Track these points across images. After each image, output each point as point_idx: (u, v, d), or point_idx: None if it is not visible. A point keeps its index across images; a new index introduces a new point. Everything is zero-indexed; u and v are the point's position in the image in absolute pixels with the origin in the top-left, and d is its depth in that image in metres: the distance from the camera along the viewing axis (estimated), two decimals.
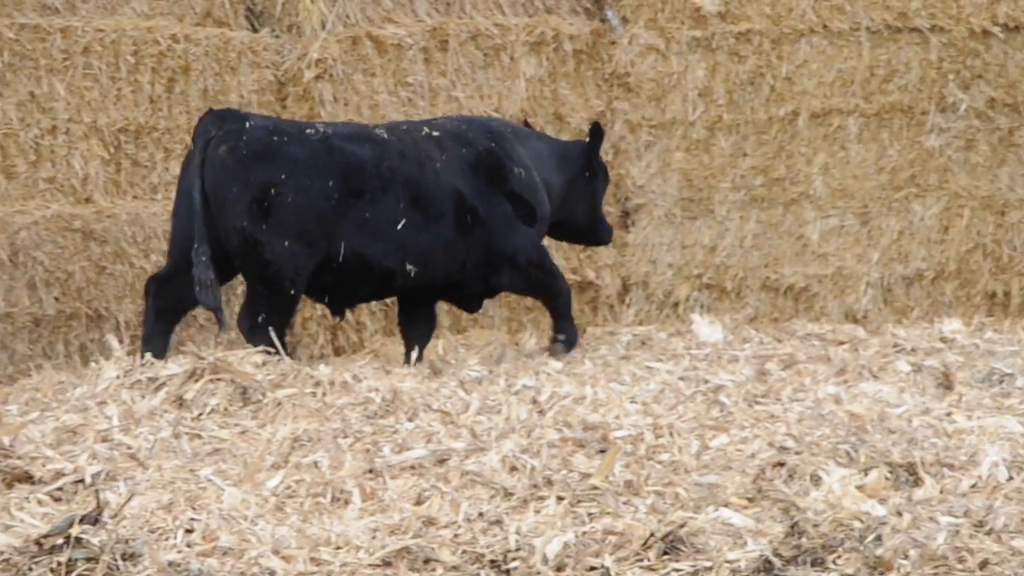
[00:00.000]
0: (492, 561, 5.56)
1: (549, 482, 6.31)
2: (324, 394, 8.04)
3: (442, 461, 6.76)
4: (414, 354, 9.58)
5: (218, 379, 8.04)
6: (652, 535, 5.53)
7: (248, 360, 8.31)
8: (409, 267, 9.57)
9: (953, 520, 5.67)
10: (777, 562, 5.38)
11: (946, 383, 8.15)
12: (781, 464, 6.39)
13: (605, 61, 11.62)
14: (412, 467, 6.72)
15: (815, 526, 5.59)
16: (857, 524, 5.60)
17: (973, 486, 6.14)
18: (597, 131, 10.30)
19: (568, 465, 6.59)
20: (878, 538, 5.42)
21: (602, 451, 6.80)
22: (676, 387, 8.16)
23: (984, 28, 11.53)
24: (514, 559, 5.55)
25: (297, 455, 6.99)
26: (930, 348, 9.14)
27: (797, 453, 6.52)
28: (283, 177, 9.32)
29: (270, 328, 9.11)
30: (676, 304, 11.67)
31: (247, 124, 9.44)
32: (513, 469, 6.58)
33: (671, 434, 7.03)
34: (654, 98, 11.56)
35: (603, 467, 6.43)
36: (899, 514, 5.75)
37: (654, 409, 7.62)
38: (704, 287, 11.76)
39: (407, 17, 11.22)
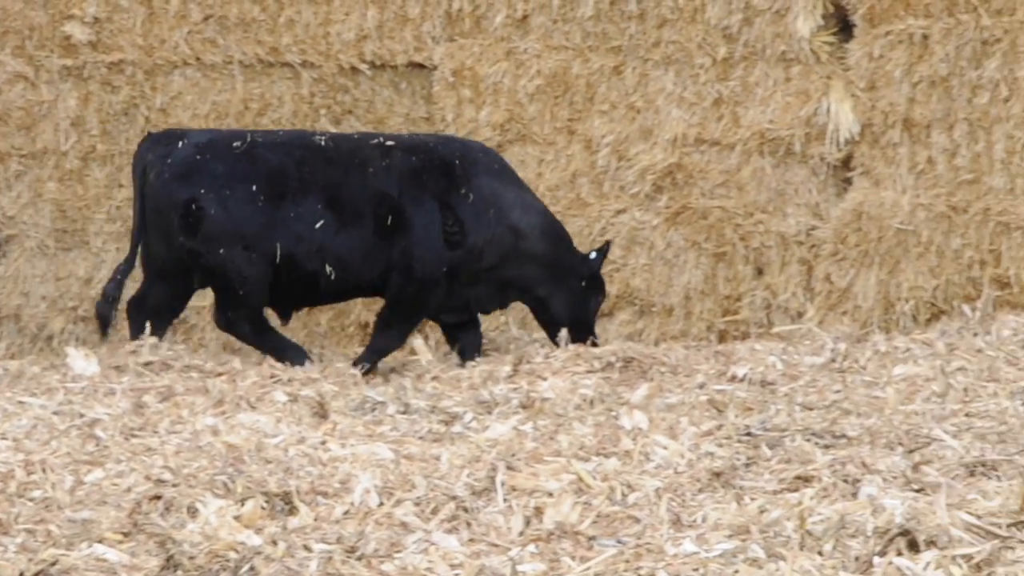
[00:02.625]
0: None
1: None
2: None
3: None
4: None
5: None
6: (21, 574, 5.38)
7: None
8: (328, 269, 9.90)
9: (326, 547, 5.76)
10: None
11: (321, 412, 8.28)
12: (158, 497, 6.33)
13: None
14: None
15: (191, 558, 5.56)
16: (233, 555, 5.61)
17: (346, 513, 6.26)
18: (605, 251, 10.43)
19: None
20: (252, 568, 5.45)
21: None
22: (50, 422, 7.95)
23: (353, 65, 11.82)
24: None
25: None
26: (306, 378, 9.25)
27: (174, 485, 6.47)
28: (202, 192, 9.80)
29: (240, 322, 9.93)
30: (50, 337, 11.42)
31: (179, 144, 9.93)
32: None
33: (44, 470, 6.85)
34: (24, 127, 11.29)
35: None
36: (274, 543, 5.79)
37: (26, 445, 7.40)
38: (80, 319, 11.54)
39: None
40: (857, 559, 5.53)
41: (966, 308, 10.48)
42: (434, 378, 9.32)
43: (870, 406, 8.14)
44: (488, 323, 11.35)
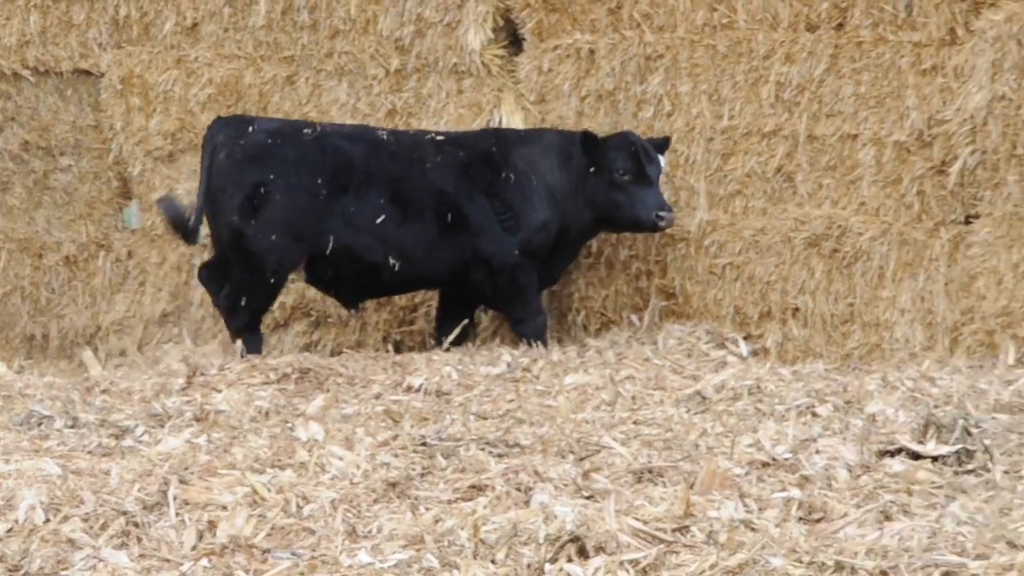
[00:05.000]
0: None
1: None
2: None
3: None
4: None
5: None
6: None
7: None
8: (392, 261, 10.19)
9: None
10: None
11: None
12: None
13: None
14: None
15: None
16: None
17: (9, 530, 6.09)
18: (588, 140, 10.32)
19: None
20: None
21: None
22: None
23: (15, 71, 11.55)
24: None
25: None
26: None
27: None
28: (271, 177, 10.14)
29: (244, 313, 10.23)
30: None
31: (249, 129, 10.28)
32: None
33: None
34: None
35: None
36: None
37: None
38: None
39: None
40: (529, 566, 5.62)
41: (634, 318, 10.73)
42: (104, 391, 9.13)
43: (542, 415, 8.27)
44: (165, 334, 11.21)
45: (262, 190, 10.19)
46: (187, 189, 11.56)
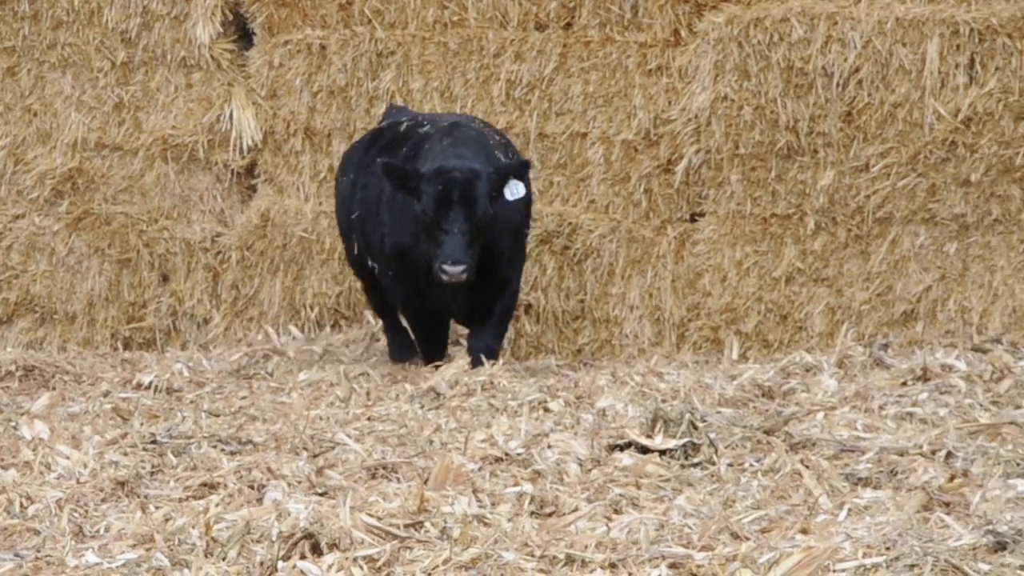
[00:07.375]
0: None
1: None
2: None
3: None
4: None
5: None
6: None
7: None
8: (371, 264, 9.75)
9: None
10: None
11: None
12: None
13: None
14: None
15: None
16: None
17: None
18: (388, 171, 9.21)
19: None
20: None
21: None
22: None
23: None
24: None
25: None
26: None
27: None
28: (344, 178, 10.00)
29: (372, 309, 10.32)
30: None
31: (382, 123, 10.06)
32: None
33: None
34: None
35: None
36: None
37: None
38: None
39: None
40: (262, 564, 5.59)
41: (369, 315, 10.75)
42: None
43: (276, 412, 8.25)
44: None
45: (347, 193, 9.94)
46: None
